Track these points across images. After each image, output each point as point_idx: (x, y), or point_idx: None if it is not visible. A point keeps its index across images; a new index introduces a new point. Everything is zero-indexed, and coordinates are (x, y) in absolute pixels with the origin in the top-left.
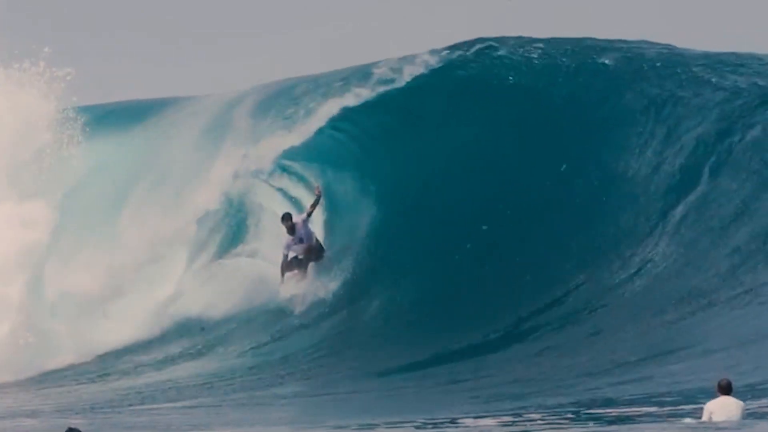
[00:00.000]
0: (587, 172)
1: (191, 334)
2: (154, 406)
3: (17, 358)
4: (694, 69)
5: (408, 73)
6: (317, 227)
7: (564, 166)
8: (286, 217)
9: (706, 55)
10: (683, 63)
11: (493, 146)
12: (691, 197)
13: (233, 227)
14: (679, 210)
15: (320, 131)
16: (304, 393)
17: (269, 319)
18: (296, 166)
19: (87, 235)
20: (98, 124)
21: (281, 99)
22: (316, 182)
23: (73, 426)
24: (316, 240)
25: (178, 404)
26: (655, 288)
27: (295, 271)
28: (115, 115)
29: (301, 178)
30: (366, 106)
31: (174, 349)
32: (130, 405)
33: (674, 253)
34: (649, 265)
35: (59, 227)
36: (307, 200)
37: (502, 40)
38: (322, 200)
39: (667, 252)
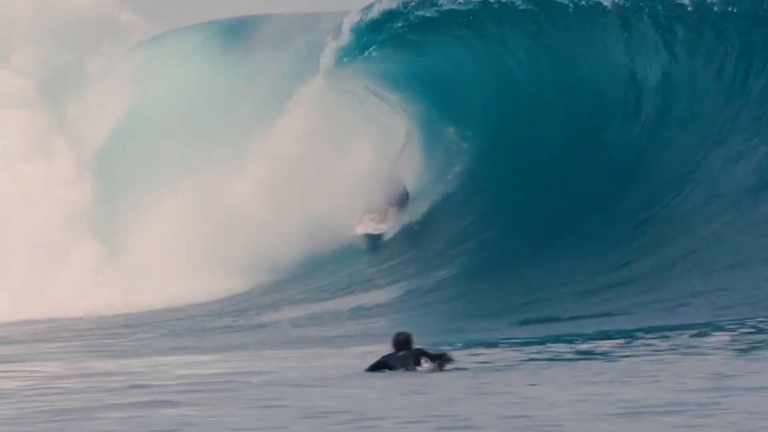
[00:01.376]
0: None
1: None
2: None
3: None
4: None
5: None
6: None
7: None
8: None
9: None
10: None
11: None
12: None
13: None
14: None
15: (423, 56)
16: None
17: (341, 259)
18: (391, 94)
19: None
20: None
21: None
22: (409, 128)
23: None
24: (405, 189)
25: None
26: None
27: (375, 214)
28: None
29: (395, 105)
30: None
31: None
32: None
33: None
34: None
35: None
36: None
37: None
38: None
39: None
